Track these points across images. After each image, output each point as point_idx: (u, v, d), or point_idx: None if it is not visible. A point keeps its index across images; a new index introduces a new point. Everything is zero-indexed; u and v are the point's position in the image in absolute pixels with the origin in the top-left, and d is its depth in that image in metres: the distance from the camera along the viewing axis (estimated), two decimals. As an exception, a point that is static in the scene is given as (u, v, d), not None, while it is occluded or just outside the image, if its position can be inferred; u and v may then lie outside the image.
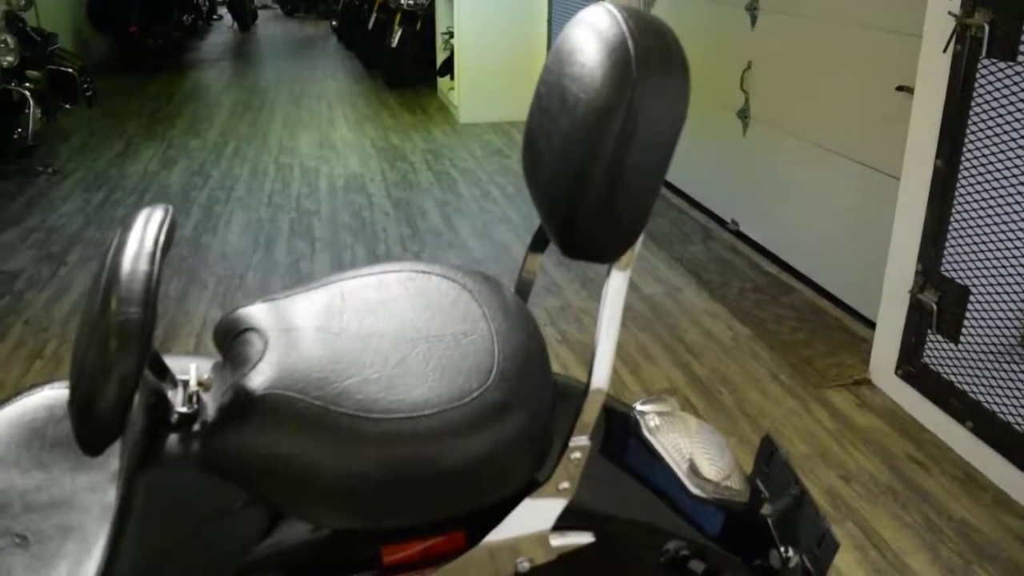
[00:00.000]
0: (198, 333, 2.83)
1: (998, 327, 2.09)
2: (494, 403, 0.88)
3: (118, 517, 0.86)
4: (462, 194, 4.48)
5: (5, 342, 2.76)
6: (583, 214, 0.86)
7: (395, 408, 0.86)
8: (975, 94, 2.07)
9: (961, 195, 2.15)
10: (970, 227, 2.14)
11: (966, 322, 2.17)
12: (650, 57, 0.83)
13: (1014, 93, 1.96)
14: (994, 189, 2.05)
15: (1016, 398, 2.03)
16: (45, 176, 4.63)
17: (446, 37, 6.63)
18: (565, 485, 0.93)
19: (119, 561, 0.84)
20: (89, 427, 0.75)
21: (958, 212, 2.17)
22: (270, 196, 4.40)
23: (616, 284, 0.92)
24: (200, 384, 0.92)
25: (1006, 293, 2.05)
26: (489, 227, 3.96)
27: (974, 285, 2.14)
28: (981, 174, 2.08)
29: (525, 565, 0.95)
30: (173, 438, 0.87)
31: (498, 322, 0.98)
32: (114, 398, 0.73)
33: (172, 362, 0.96)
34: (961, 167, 2.14)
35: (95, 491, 0.97)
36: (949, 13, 2.09)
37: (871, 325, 2.68)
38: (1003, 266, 2.05)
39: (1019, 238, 2.03)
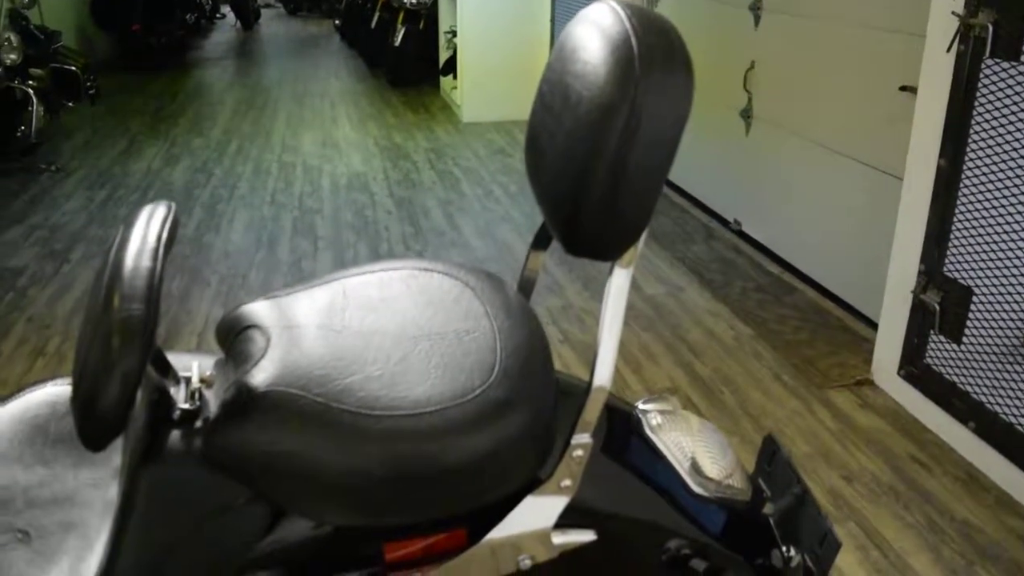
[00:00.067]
0: (200, 332, 2.84)
1: (1001, 328, 2.08)
2: (496, 401, 0.88)
3: (120, 513, 0.86)
4: (465, 193, 4.48)
5: (8, 339, 2.77)
6: (586, 211, 0.86)
7: (397, 405, 0.86)
8: (979, 94, 2.07)
9: (964, 195, 2.15)
10: (973, 227, 2.13)
11: (969, 323, 2.17)
12: (653, 54, 0.82)
13: (1017, 93, 1.96)
14: (998, 189, 2.05)
15: (1019, 399, 2.03)
16: (48, 174, 4.63)
17: (449, 36, 6.63)
18: (567, 483, 0.93)
19: (121, 557, 0.85)
20: (92, 423, 0.75)
21: (961, 212, 2.16)
22: (273, 194, 4.40)
23: (619, 282, 0.92)
24: (202, 381, 0.92)
25: (1009, 294, 2.05)
26: (491, 226, 3.96)
27: (977, 286, 2.14)
28: (984, 174, 2.08)
29: (527, 563, 0.95)
30: (175, 435, 0.87)
31: (500, 320, 0.98)
32: (117, 394, 0.73)
33: (175, 359, 0.96)
34: (964, 167, 2.13)
35: (97, 487, 0.97)
36: (953, 13, 2.08)
37: (873, 325, 2.67)
38: (1006, 267, 2.05)
39: (1023, 238, 2.02)
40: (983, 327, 2.13)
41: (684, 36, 0.87)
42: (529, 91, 1.11)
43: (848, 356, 2.69)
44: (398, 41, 7.13)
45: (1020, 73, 1.95)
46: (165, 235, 0.80)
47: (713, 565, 1.03)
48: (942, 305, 2.24)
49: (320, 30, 12.23)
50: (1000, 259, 2.06)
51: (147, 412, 0.87)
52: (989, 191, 2.07)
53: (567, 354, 2.70)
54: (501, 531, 0.93)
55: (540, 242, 1.14)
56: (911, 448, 2.25)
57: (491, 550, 0.93)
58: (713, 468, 1.03)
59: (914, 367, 2.38)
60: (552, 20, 5.99)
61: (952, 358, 2.24)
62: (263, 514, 0.89)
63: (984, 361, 2.14)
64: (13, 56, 4.40)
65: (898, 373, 2.44)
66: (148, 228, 0.81)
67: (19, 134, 4.57)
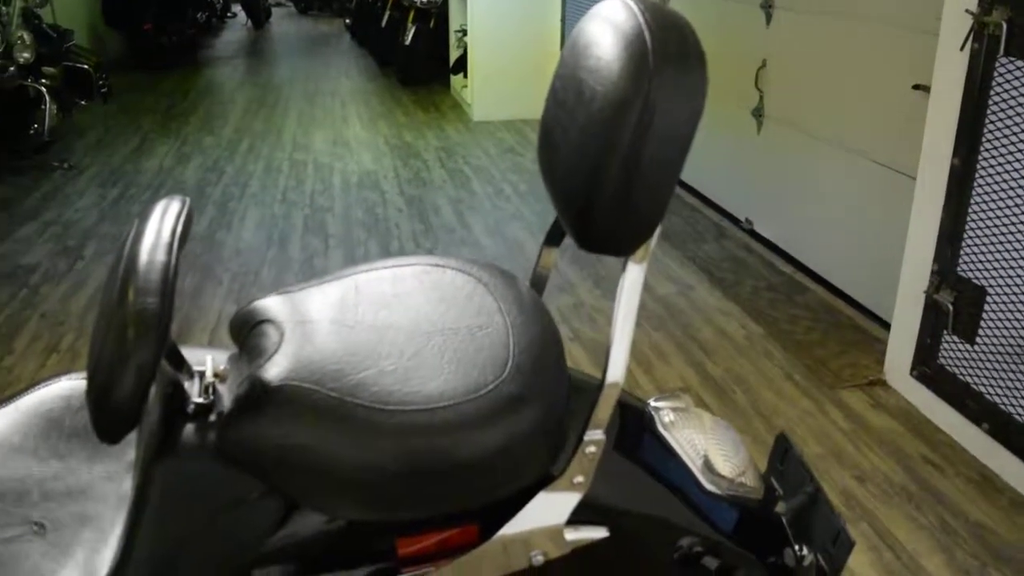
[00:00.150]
0: (213, 328, 2.85)
1: (1015, 328, 2.07)
2: (509, 396, 0.88)
3: (134, 506, 0.87)
4: (475, 191, 4.48)
5: (21, 336, 2.79)
6: (599, 207, 0.86)
7: (410, 400, 0.86)
8: (992, 92, 2.05)
9: (978, 194, 2.13)
10: (987, 227, 2.12)
11: (982, 323, 2.16)
12: (667, 49, 0.82)
13: (1033, 91, 1.95)
14: (1012, 188, 2.03)
15: (1033, 399, 2.01)
16: (61, 171, 4.66)
17: (459, 35, 6.64)
18: (579, 479, 0.93)
19: (135, 550, 0.85)
20: (106, 416, 0.75)
21: (975, 212, 2.15)
22: (284, 193, 4.41)
23: (632, 277, 0.91)
24: (216, 375, 0.93)
25: (1023, 293, 2.03)
26: (502, 224, 3.96)
27: (991, 285, 2.12)
28: (998, 173, 2.06)
29: (539, 559, 0.95)
30: (189, 428, 0.88)
31: (513, 315, 0.98)
32: (131, 387, 0.73)
33: (188, 353, 0.96)
34: (978, 166, 2.12)
35: (112, 480, 0.97)
36: (966, 11, 2.07)
37: (886, 325, 2.66)
38: (1021, 266, 2.03)
39: (1037, 238, 2.01)
40: (997, 327, 2.12)
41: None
42: (540, 90, 1.11)
43: (860, 356, 2.68)
44: (408, 40, 7.14)
45: (1035, 71, 1.94)
46: (180, 229, 0.80)
47: (725, 563, 1.03)
48: (955, 305, 2.22)
49: (330, 29, 12.27)
50: (1014, 258, 2.04)
51: (161, 406, 0.88)
52: (1003, 190, 2.06)
53: (578, 352, 2.70)
54: (513, 527, 0.93)
55: (553, 238, 1.13)
56: (924, 449, 2.23)
57: (503, 546, 0.93)
58: (726, 466, 1.02)
59: (927, 367, 2.37)
60: (563, 19, 5.99)
61: (965, 358, 2.22)
62: (276, 508, 0.90)
63: (998, 361, 2.13)
64: (26, 55, 4.43)
65: (911, 373, 2.43)
66: (163, 222, 0.81)
67: (32, 132, 4.60)
